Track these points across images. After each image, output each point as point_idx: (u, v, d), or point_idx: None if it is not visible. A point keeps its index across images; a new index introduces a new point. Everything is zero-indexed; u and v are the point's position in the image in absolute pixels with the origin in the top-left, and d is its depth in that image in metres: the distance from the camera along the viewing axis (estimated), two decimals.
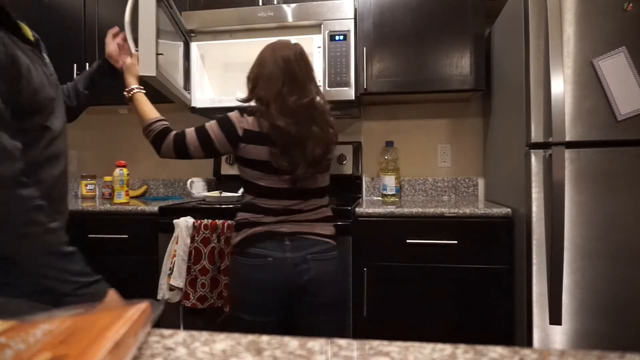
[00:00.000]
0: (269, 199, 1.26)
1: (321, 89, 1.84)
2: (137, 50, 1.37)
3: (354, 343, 0.39)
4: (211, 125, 1.26)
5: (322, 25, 1.84)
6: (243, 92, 1.33)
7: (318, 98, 1.27)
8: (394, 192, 2.00)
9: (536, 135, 1.41)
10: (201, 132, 1.26)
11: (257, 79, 1.27)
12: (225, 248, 1.56)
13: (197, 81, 1.98)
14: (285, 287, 1.24)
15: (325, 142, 1.26)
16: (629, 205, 1.35)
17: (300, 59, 1.26)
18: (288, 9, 1.86)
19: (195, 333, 0.42)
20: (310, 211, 1.29)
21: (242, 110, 1.27)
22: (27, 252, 0.81)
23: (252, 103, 1.29)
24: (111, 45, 1.34)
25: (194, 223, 1.58)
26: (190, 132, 1.27)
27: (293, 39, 1.92)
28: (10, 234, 0.79)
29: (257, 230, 1.25)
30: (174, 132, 1.28)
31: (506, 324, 1.59)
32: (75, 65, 2.13)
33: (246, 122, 1.24)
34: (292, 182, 1.24)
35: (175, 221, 1.60)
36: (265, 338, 0.40)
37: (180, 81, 1.79)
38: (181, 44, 1.86)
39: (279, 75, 1.22)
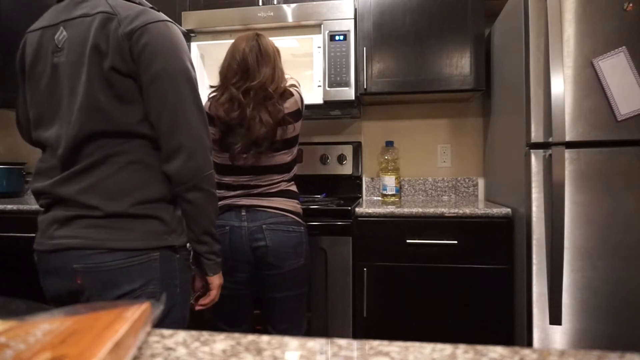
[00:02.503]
0: (224, 175, 1.37)
1: (320, 88, 1.86)
2: None
3: (354, 343, 0.39)
4: None
5: (322, 25, 1.84)
6: None
7: (273, 80, 1.32)
8: (394, 192, 2.00)
9: (536, 135, 1.41)
10: None
11: (221, 72, 1.36)
12: None
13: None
14: (246, 255, 1.32)
15: (272, 124, 1.30)
16: (629, 205, 1.35)
17: (255, 49, 1.33)
18: (288, 9, 1.86)
19: (195, 333, 0.42)
20: (267, 186, 1.36)
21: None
22: (207, 207, 0.98)
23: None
24: None
25: None
26: None
27: (293, 39, 1.94)
28: (205, 190, 0.96)
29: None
30: None
31: (506, 324, 1.59)
32: None
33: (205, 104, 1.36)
34: (230, 159, 1.33)
35: None
36: (265, 338, 0.40)
37: None
38: None
39: (236, 68, 1.32)
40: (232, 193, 1.36)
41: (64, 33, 0.91)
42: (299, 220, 1.38)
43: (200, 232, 0.99)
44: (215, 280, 1.08)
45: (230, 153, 1.32)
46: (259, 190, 1.35)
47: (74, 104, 0.89)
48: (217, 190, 1.35)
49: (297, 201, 1.41)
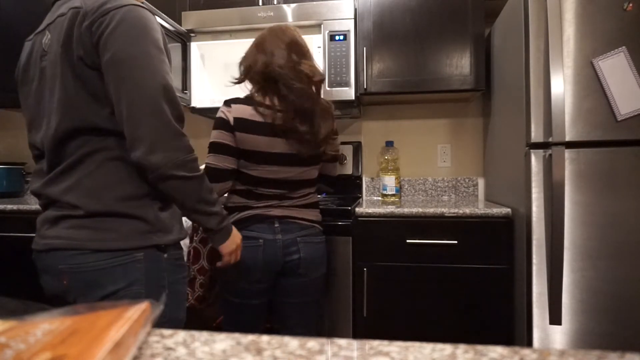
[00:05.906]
0: (260, 187, 1.30)
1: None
2: None
3: (354, 343, 0.39)
4: (212, 135, 1.27)
5: (322, 25, 1.84)
6: (242, 93, 1.34)
7: (320, 70, 1.32)
8: (394, 192, 2.00)
9: (536, 135, 1.41)
10: (213, 147, 1.26)
11: (262, 55, 1.27)
12: None
13: (197, 81, 1.98)
14: (276, 268, 1.29)
15: (330, 115, 1.34)
16: (629, 205, 1.35)
17: (298, 32, 1.32)
18: (288, 9, 1.86)
19: (195, 333, 0.42)
20: (298, 198, 1.34)
21: (227, 102, 1.29)
22: (187, 191, 0.93)
23: (247, 84, 1.32)
24: None
25: (192, 223, 1.58)
26: (209, 157, 1.27)
27: None
28: (180, 176, 0.90)
29: (247, 213, 1.29)
30: (202, 167, 1.20)
31: (506, 324, 1.59)
32: None
33: (235, 111, 1.26)
34: (293, 173, 1.30)
35: None
36: (265, 338, 0.40)
37: (175, 83, 1.80)
38: (177, 45, 1.87)
39: (284, 46, 1.26)
40: (263, 203, 1.30)
41: (49, 36, 0.92)
42: (322, 229, 1.39)
43: (188, 212, 0.97)
44: (225, 249, 1.10)
45: (294, 166, 1.30)
46: (291, 202, 1.32)
47: (53, 104, 0.89)
48: (246, 200, 1.31)
49: (319, 210, 1.42)
